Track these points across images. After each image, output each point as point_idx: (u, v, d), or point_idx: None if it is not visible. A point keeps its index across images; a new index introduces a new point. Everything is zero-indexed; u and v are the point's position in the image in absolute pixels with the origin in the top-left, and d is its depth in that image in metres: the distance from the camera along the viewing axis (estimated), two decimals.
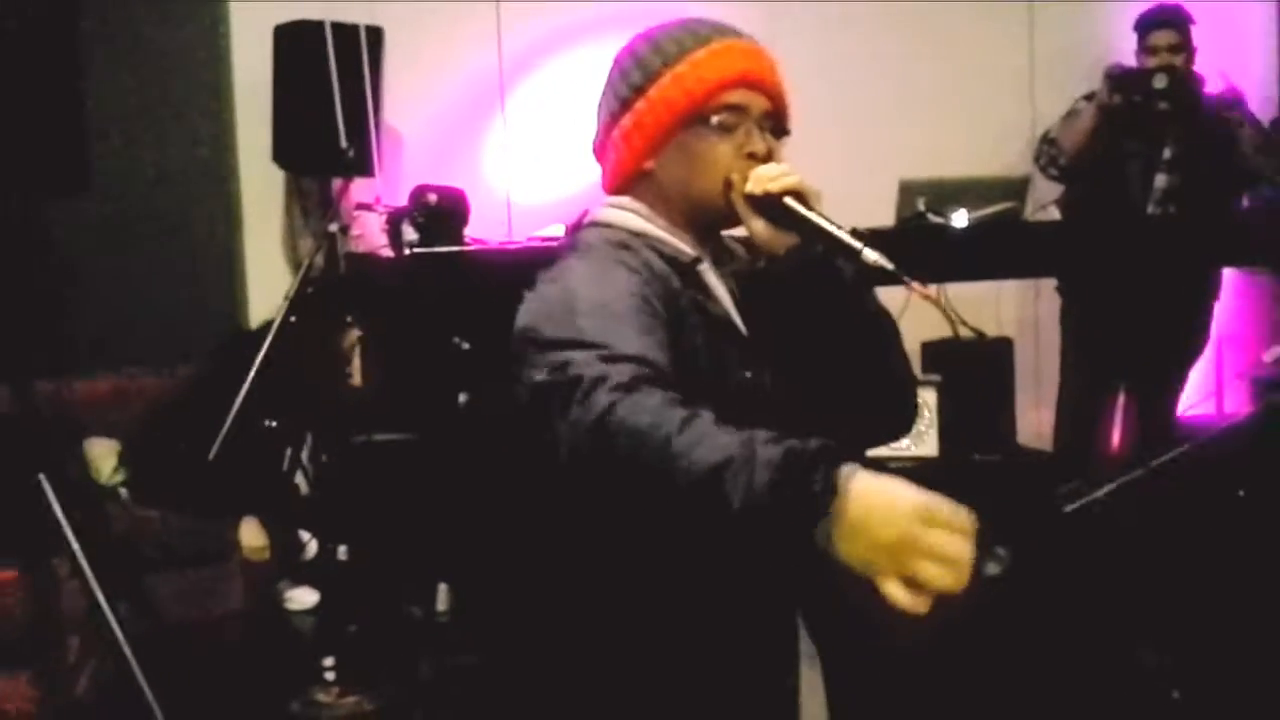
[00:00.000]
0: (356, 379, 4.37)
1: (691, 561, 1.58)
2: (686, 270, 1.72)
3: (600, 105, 1.82)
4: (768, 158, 1.73)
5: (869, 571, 1.29)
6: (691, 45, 1.73)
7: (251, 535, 3.94)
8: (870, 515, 1.28)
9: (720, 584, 1.62)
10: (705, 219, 1.76)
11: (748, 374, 1.70)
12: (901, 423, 1.88)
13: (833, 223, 1.67)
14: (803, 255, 1.70)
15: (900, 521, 1.27)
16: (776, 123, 1.77)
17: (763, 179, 1.69)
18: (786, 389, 1.71)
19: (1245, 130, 4.61)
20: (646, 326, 1.56)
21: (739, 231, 1.76)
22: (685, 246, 1.75)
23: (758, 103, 1.74)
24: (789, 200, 1.67)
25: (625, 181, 1.80)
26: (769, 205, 1.69)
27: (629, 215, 1.77)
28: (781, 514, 1.31)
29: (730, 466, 1.32)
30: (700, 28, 1.76)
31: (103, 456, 3.79)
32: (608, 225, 1.77)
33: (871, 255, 1.62)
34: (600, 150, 1.83)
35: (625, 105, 1.76)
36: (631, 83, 1.76)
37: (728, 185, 1.72)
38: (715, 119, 1.72)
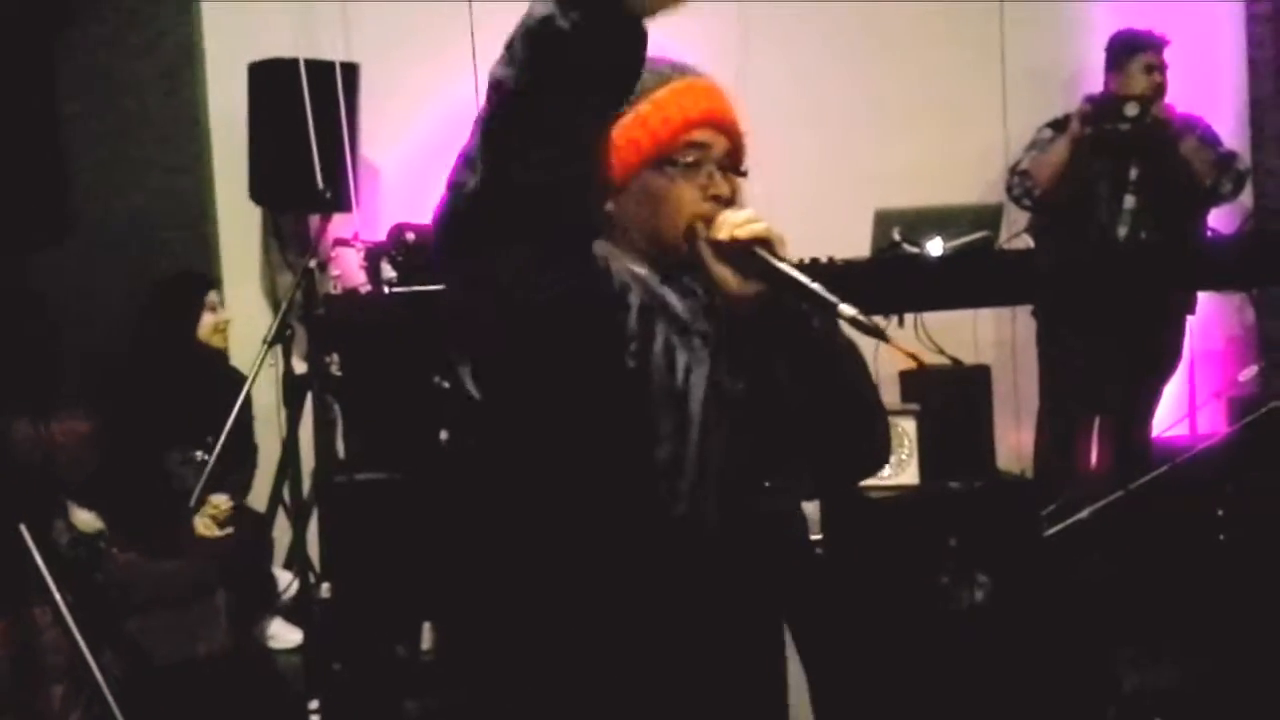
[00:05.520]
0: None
1: (668, 585, 1.58)
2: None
3: None
4: (731, 200, 1.67)
5: None
6: (653, 84, 1.65)
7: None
8: None
9: (702, 604, 1.60)
10: (666, 261, 1.69)
11: (721, 382, 1.65)
12: (875, 453, 1.81)
13: (805, 274, 1.59)
14: (769, 303, 1.62)
15: None
16: (734, 163, 1.71)
17: (729, 225, 1.62)
18: (760, 405, 1.67)
19: (1194, 145, 4.67)
20: None
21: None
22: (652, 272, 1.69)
23: (719, 143, 1.68)
24: (759, 250, 1.60)
25: None
26: (735, 252, 1.62)
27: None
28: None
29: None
30: (659, 65, 1.67)
31: (86, 524, 3.71)
32: None
33: (848, 310, 1.54)
34: None
35: None
36: None
37: (690, 230, 1.65)
38: (680, 159, 1.65)
